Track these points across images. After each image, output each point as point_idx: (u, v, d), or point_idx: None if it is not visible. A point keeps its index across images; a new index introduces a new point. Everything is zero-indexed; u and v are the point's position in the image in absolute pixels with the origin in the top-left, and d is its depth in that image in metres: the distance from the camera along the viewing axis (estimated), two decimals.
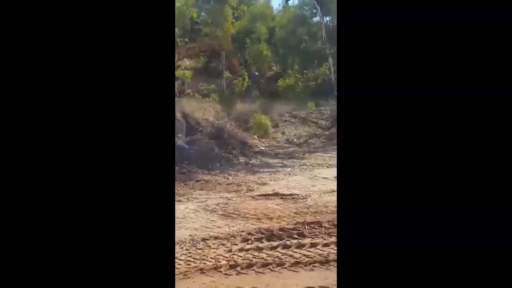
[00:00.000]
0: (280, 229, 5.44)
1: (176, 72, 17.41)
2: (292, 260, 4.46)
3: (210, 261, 4.54)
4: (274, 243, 5.00)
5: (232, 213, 6.62)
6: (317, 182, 9.08)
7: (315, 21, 24.57)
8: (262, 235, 5.28)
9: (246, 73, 18.95)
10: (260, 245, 4.98)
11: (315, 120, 18.79)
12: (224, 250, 4.87)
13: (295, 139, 16.70)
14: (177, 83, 17.69)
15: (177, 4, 19.91)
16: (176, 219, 6.26)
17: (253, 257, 4.60)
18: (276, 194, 7.92)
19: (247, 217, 6.33)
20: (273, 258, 4.53)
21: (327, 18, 23.86)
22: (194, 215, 6.64)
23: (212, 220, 6.27)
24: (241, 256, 4.64)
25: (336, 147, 2.38)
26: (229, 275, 4.22)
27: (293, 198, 7.53)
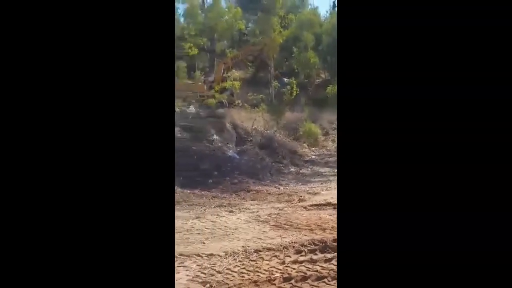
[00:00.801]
0: (334, 241, 5.29)
1: (224, 84, 17.67)
2: None
3: (263, 273, 4.49)
4: (329, 255, 4.88)
5: (284, 224, 6.56)
6: None
7: None
8: (316, 247, 5.18)
9: (294, 81, 18.87)
10: (314, 257, 4.88)
11: None
12: (277, 262, 4.80)
13: None
14: (226, 94, 17.94)
15: (225, 17, 20.28)
16: (228, 230, 6.31)
17: (307, 270, 4.50)
18: (328, 204, 7.78)
19: (299, 228, 6.25)
20: (328, 271, 4.41)
21: None
22: (246, 226, 6.63)
23: (264, 231, 6.23)
24: (294, 269, 4.56)
25: None
26: None
27: None
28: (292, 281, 4.23)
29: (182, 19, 25.54)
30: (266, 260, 4.89)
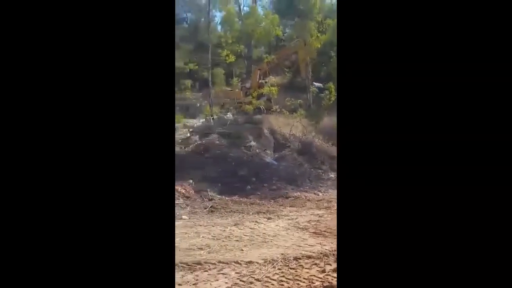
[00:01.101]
0: None
1: (262, 90, 17.68)
2: None
3: (303, 282, 4.39)
4: None
5: (324, 231, 6.44)
6: None
7: None
8: None
9: (332, 86, 18.61)
10: None
11: None
12: (317, 271, 4.70)
13: None
14: (263, 100, 17.94)
15: (262, 23, 20.37)
16: (267, 237, 6.24)
17: None
18: None
19: None
20: None
21: None
22: (285, 233, 6.55)
23: (303, 239, 6.13)
24: (335, 277, 4.42)
25: None
26: None
27: None
28: None
29: (219, 27, 25.91)
30: (305, 268, 4.79)
